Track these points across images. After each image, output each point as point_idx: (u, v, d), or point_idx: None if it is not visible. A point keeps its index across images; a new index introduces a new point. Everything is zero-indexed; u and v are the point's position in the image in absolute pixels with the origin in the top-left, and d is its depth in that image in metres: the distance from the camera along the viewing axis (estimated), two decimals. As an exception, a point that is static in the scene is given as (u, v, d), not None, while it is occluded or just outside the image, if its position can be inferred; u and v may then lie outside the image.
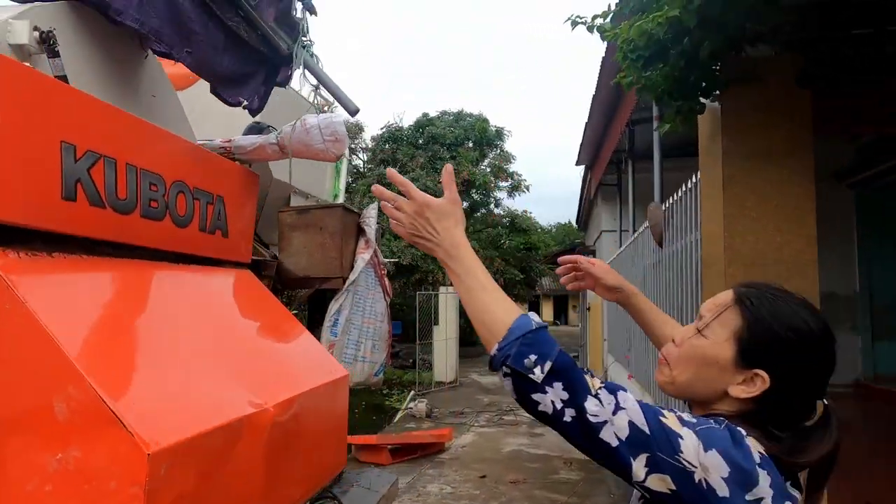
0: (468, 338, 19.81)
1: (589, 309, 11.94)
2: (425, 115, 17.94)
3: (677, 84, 3.25)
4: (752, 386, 0.94)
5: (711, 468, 0.85)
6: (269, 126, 2.02)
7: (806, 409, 0.94)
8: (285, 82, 1.89)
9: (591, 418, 0.90)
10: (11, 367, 1.06)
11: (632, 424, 0.89)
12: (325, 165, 3.18)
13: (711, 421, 0.92)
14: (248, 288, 1.90)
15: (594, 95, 7.70)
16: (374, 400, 13.01)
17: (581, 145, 10.29)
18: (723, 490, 0.85)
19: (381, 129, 18.03)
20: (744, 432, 0.90)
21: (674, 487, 0.87)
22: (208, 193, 1.74)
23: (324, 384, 1.79)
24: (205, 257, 1.76)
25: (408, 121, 18.18)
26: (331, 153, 1.98)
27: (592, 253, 14.27)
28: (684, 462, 0.86)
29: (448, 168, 1.19)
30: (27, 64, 1.29)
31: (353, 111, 1.73)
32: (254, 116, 1.84)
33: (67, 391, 1.02)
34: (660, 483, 0.87)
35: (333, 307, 2.48)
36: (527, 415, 6.81)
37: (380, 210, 2.91)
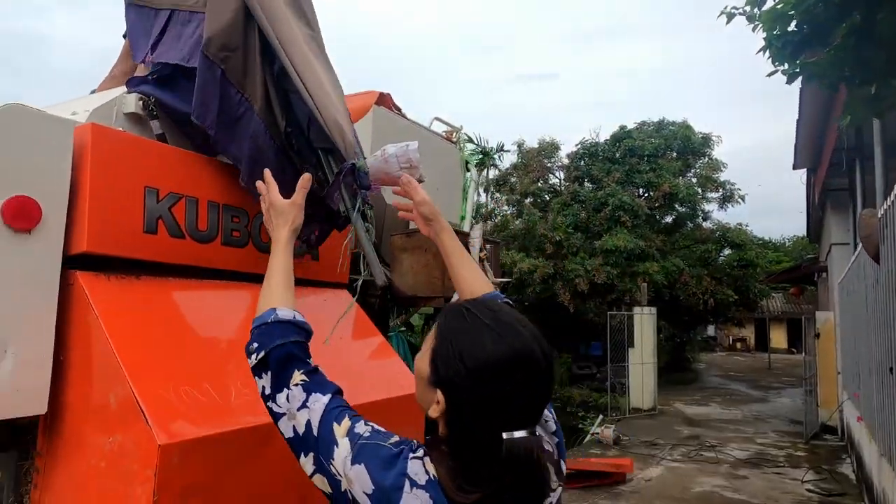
0: (677, 363, 18.28)
1: (818, 336, 10.18)
2: (622, 127, 17.26)
3: (856, 67, 2.70)
4: (439, 406, 0.91)
5: (355, 481, 0.88)
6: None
7: (493, 441, 0.85)
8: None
9: (276, 408, 1.01)
10: (90, 368, 1.35)
11: (308, 424, 0.96)
12: (456, 190, 3.32)
13: (393, 438, 0.93)
14: (334, 306, 2.08)
15: (801, 89, 6.66)
16: (568, 422, 12.74)
17: (796, 147, 8.93)
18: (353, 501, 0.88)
19: (576, 145, 17.80)
20: (418, 454, 0.89)
21: (329, 491, 0.92)
22: (296, 222, 1.97)
23: (392, 398, 1.88)
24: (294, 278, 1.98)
25: (604, 135, 17.67)
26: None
27: (824, 270, 12.17)
28: (334, 470, 0.91)
29: (305, 176, 1.36)
30: (137, 128, 1.65)
31: (381, 283, 1.80)
32: (310, 251, 1.94)
33: (117, 389, 1.28)
34: (321, 483, 0.94)
35: (437, 325, 2.57)
36: (732, 453, 6.26)
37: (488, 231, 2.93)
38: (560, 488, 1.01)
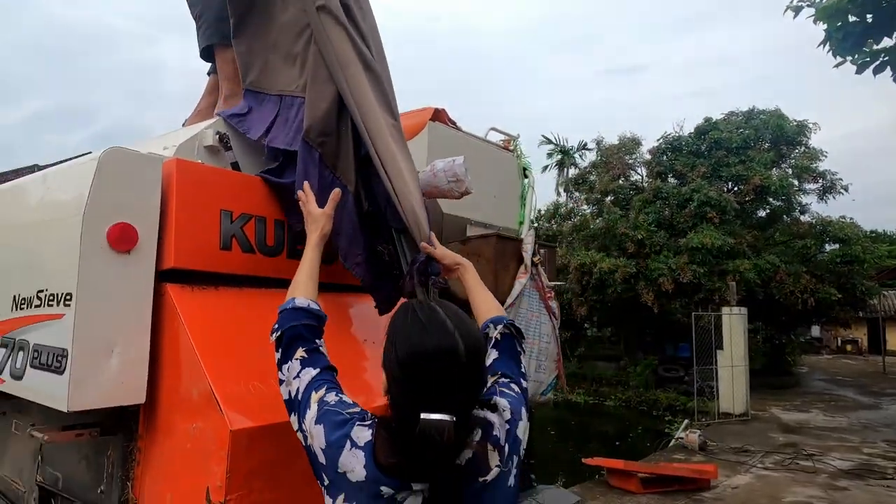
0: (775, 366, 17.19)
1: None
2: (707, 119, 16.50)
3: (931, 53, 2.56)
4: (383, 386, 1.14)
5: (315, 438, 1.12)
6: None
7: (414, 419, 1.00)
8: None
9: (280, 376, 1.27)
10: (178, 365, 1.60)
11: (297, 390, 1.21)
12: (513, 197, 3.43)
13: (352, 409, 1.15)
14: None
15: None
16: (654, 426, 12.39)
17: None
18: (322, 458, 1.10)
19: (658, 140, 17.21)
20: (367, 423, 1.11)
21: (304, 444, 1.16)
22: (354, 235, 2.18)
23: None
24: (354, 285, 2.18)
25: (688, 128, 16.96)
26: (455, 192, 2.24)
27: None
28: (305, 427, 1.16)
29: (335, 191, 1.67)
30: (214, 158, 1.91)
31: None
32: (381, 315, 2.04)
33: (198, 384, 1.51)
34: (300, 438, 1.18)
35: (492, 328, 2.70)
36: (833, 463, 6.01)
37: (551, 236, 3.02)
38: (498, 469, 1.12)
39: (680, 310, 14.56)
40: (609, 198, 17.84)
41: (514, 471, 1.18)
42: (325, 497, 1.12)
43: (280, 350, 1.30)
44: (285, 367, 1.26)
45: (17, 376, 1.70)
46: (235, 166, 1.94)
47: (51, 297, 1.59)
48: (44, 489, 2.04)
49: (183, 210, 1.67)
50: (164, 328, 1.65)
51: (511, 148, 3.50)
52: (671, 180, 16.64)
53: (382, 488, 1.04)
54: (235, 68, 2.33)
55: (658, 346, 17.05)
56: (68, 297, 1.52)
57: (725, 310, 11.63)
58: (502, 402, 1.23)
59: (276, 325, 1.33)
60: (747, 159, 15.12)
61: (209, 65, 2.63)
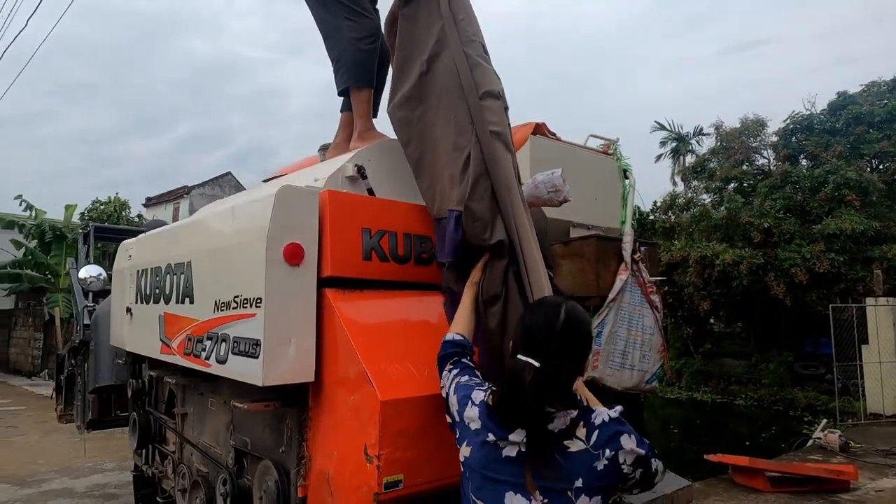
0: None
1: None
2: (842, 93, 15.10)
3: None
4: (511, 348, 1.56)
5: (452, 404, 1.60)
6: None
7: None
8: None
9: (440, 380, 1.75)
10: (336, 352, 2.05)
11: (447, 386, 1.69)
12: (614, 199, 3.63)
13: (476, 381, 1.63)
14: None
15: None
16: (792, 427, 11.66)
17: None
18: (456, 416, 1.55)
19: (785, 120, 16.01)
20: (483, 388, 1.56)
21: (447, 411, 1.64)
22: (468, 243, 2.54)
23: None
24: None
25: (820, 104, 15.62)
26: (555, 200, 2.53)
27: None
28: (449, 399, 1.64)
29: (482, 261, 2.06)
30: (353, 186, 2.37)
31: None
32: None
33: (354, 366, 1.94)
34: (448, 407, 1.65)
35: (596, 321, 2.95)
36: None
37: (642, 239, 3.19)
38: (582, 444, 1.40)
39: (818, 302, 13.49)
40: (731, 185, 16.88)
41: (604, 461, 1.36)
42: (458, 446, 1.54)
43: (439, 365, 1.82)
44: (442, 375, 1.77)
45: (222, 361, 2.24)
46: (370, 192, 2.38)
47: (245, 301, 2.11)
48: (237, 450, 2.61)
49: (335, 230, 2.12)
50: (325, 323, 2.10)
51: (610, 152, 3.69)
52: (803, 162, 15.42)
53: (489, 435, 1.43)
54: (368, 108, 2.79)
55: (794, 342, 15.84)
56: (258, 301, 2.02)
57: (870, 301, 10.67)
58: (619, 407, 1.46)
59: (440, 351, 1.85)
60: (894, 133, 13.65)
61: (341, 100, 3.13)
